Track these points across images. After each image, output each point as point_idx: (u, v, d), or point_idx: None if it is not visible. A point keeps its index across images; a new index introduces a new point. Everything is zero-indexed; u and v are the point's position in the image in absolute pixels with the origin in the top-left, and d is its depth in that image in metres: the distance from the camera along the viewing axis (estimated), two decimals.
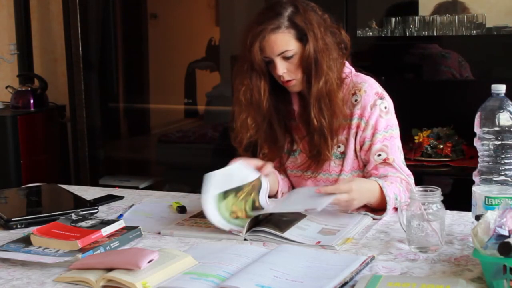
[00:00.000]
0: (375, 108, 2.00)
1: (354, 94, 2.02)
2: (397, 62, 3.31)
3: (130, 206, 2.04)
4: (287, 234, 1.67)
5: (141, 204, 2.08)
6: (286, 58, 1.95)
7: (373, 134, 1.99)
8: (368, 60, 3.32)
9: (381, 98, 2.02)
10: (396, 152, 2.01)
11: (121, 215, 1.95)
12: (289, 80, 1.98)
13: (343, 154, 2.04)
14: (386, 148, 1.99)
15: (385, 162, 1.98)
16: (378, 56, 3.32)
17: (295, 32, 1.94)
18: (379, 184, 1.86)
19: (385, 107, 2.02)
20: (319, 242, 1.63)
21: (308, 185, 2.08)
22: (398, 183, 1.92)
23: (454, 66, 3.21)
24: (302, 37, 1.94)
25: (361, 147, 2.02)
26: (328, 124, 1.98)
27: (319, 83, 1.95)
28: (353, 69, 2.08)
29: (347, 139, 2.02)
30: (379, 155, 1.99)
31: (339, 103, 1.98)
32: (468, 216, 1.76)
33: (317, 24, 1.96)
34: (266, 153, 2.12)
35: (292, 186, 2.17)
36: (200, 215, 1.86)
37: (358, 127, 2.00)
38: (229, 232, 1.71)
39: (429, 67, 3.25)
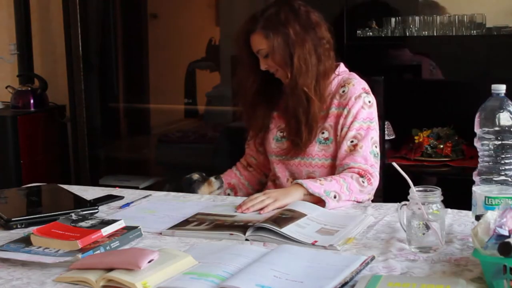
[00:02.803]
0: (359, 99, 2.15)
1: (343, 86, 2.18)
2: (397, 62, 3.31)
3: (145, 197, 2.13)
4: (285, 230, 1.68)
5: (146, 202, 2.09)
6: (266, 55, 2.15)
7: (352, 122, 2.13)
8: (368, 60, 3.32)
9: (367, 93, 2.17)
10: (368, 143, 2.12)
11: (127, 204, 2.01)
12: (276, 72, 2.18)
13: (327, 140, 2.18)
14: (359, 136, 2.13)
15: (354, 148, 2.11)
16: (378, 56, 3.32)
17: (269, 32, 2.12)
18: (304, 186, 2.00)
19: (369, 101, 2.17)
20: (315, 241, 1.63)
21: (294, 168, 2.22)
22: (348, 177, 2.04)
23: (425, 71, 3.25)
24: (276, 36, 2.11)
25: (340, 133, 2.16)
26: (303, 113, 2.14)
27: (293, 75, 2.12)
28: (347, 70, 2.25)
29: (331, 126, 2.17)
30: (352, 141, 2.13)
31: (315, 93, 2.14)
32: (468, 216, 1.76)
33: (294, 22, 2.13)
34: (251, 135, 2.36)
35: (259, 182, 2.38)
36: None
37: (341, 115, 2.15)
38: (230, 233, 1.71)
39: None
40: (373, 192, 2.15)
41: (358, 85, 2.17)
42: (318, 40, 2.15)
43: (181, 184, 2.30)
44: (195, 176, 2.29)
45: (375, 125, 2.17)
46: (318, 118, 2.15)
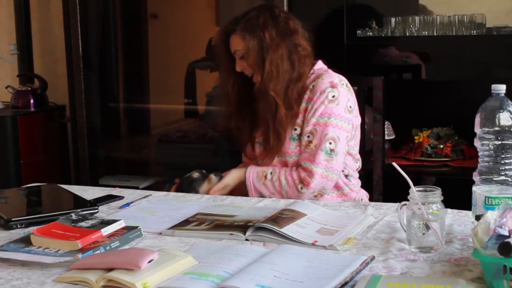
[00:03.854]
0: (323, 94, 2.17)
1: (314, 81, 2.21)
2: (385, 61, 3.31)
3: (145, 197, 2.13)
4: (285, 230, 1.67)
5: (146, 202, 2.10)
6: (242, 57, 2.20)
7: (311, 117, 2.17)
8: (368, 60, 3.32)
9: (333, 87, 2.18)
10: (320, 139, 2.15)
11: (127, 204, 2.02)
12: (252, 75, 2.22)
13: (300, 136, 2.21)
14: (315, 132, 2.16)
15: (308, 144, 2.16)
16: (378, 56, 3.32)
17: (246, 34, 2.17)
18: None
19: (333, 96, 2.17)
20: (316, 241, 1.63)
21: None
22: (291, 182, 2.15)
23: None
24: (252, 38, 2.16)
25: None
26: (271, 118, 2.18)
27: (263, 79, 2.17)
28: (325, 67, 2.28)
29: (303, 122, 2.20)
30: (308, 136, 2.17)
31: (284, 99, 2.17)
32: (468, 216, 1.76)
33: (272, 27, 2.18)
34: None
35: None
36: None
37: (307, 110, 2.19)
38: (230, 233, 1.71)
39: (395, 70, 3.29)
40: (324, 191, 2.18)
41: (327, 79, 2.19)
42: (294, 47, 2.19)
43: (181, 183, 2.31)
44: (195, 174, 2.30)
45: (338, 121, 2.16)
46: (285, 124, 2.19)
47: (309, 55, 2.23)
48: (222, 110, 2.38)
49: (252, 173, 2.23)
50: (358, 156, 2.33)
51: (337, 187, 2.25)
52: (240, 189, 2.29)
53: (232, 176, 2.27)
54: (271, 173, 2.21)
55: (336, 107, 2.16)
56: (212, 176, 2.28)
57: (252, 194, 2.22)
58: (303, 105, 2.20)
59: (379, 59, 3.29)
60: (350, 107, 2.21)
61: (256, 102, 2.23)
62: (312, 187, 2.14)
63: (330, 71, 2.25)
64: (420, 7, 3.30)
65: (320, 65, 2.28)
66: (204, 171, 2.32)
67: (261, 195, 2.21)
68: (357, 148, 2.32)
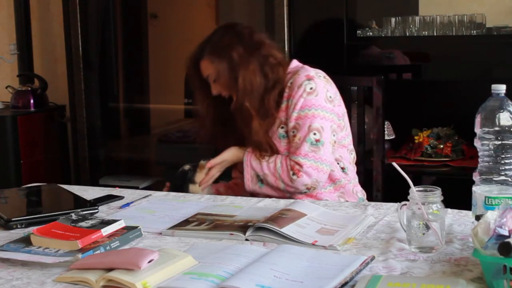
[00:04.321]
0: (300, 88, 2.18)
1: (291, 78, 2.23)
2: (367, 60, 3.31)
3: (145, 197, 2.14)
4: (285, 230, 1.67)
5: (146, 202, 2.10)
6: (215, 80, 2.23)
7: (292, 113, 2.19)
8: (368, 60, 3.32)
9: (310, 79, 2.19)
10: (304, 131, 2.16)
11: (127, 204, 2.03)
12: (229, 96, 2.25)
13: (286, 133, 2.22)
14: (298, 126, 2.18)
15: (293, 139, 2.18)
16: (363, 58, 3.32)
17: (214, 57, 2.20)
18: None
19: (311, 88, 2.18)
20: (316, 241, 1.63)
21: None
22: (285, 168, 2.17)
23: (400, 60, 3.25)
24: (221, 60, 2.19)
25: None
26: (249, 132, 2.21)
27: (239, 97, 2.19)
28: (300, 64, 2.28)
29: (286, 119, 2.21)
30: (293, 131, 2.19)
31: (260, 110, 2.19)
32: (468, 216, 1.76)
33: (238, 45, 2.20)
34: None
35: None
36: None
37: (288, 107, 2.20)
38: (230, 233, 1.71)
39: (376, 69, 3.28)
40: (318, 184, 2.18)
41: (303, 73, 2.20)
42: (264, 59, 2.21)
43: (174, 179, 2.32)
44: (186, 167, 2.33)
45: (319, 111, 2.18)
46: (261, 136, 2.21)
47: (281, 62, 2.25)
48: (200, 136, 2.44)
49: (251, 152, 2.26)
50: (352, 147, 2.35)
51: (333, 180, 2.25)
52: (231, 187, 2.33)
53: (231, 153, 2.30)
54: (268, 156, 2.23)
55: (315, 98, 2.18)
56: (202, 162, 2.31)
57: (247, 171, 2.24)
58: (284, 103, 2.22)
59: (365, 60, 3.28)
60: (330, 97, 2.22)
61: (236, 120, 2.25)
62: (303, 176, 2.14)
63: (306, 66, 2.27)
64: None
65: (295, 63, 2.30)
66: (195, 163, 2.33)
67: (256, 175, 2.23)
68: (349, 138, 2.33)
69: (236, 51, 2.20)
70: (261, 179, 2.23)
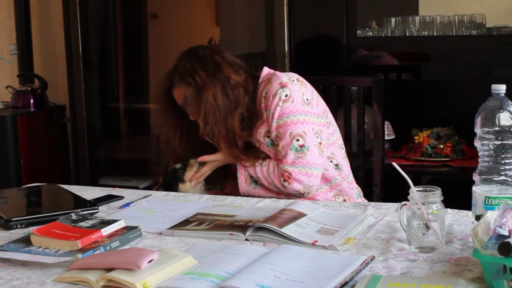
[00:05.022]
0: (275, 97, 2.17)
1: (265, 87, 2.22)
2: (354, 62, 3.31)
3: (145, 197, 2.14)
4: (285, 229, 1.67)
5: (146, 202, 2.10)
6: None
7: (271, 123, 2.19)
8: (367, 60, 3.32)
9: (283, 86, 2.18)
10: (286, 139, 2.16)
11: (127, 204, 2.03)
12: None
13: (273, 141, 2.21)
14: (279, 135, 2.18)
15: (277, 149, 2.18)
16: (377, 56, 3.32)
17: (181, 85, 2.22)
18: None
19: (286, 95, 2.17)
20: (316, 241, 1.63)
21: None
22: (277, 177, 2.17)
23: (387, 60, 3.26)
24: (187, 86, 2.20)
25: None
26: (231, 153, 2.23)
27: (203, 122, 2.20)
28: (271, 71, 2.28)
29: (269, 129, 2.21)
30: (277, 141, 2.19)
31: (226, 132, 2.21)
32: (468, 216, 1.76)
33: (200, 69, 2.21)
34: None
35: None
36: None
37: (267, 117, 2.19)
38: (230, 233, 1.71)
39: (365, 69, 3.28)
40: (311, 188, 2.17)
41: (275, 81, 2.19)
42: (225, 80, 2.21)
43: (165, 178, 2.34)
44: (177, 165, 2.33)
45: (298, 116, 2.17)
46: (234, 154, 2.22)
47: (241, 84, 2.24)
48: (169, 158, 2.40)
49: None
50: (341, 141, 2.35)
51: (328, 179, 2.25)
52: (232, 186, 2.33)
53: (224, 154, 2.28)
54: (262, 158, 2.24)
55: (292, 105, 2.17)
56: (192, 160, 2.31)
57: (241, 173, 2.24)
58: (264, 113, 2.21)
59: (354, 63, 3.28)
60: (307, 99, 2.21)
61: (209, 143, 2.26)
62: (294, 183, 2.14)
63: (277, 73, 2.26)
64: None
65: (265, 71, 2.29)
66: (186, 163, 2.33)
67: (249, 176, 2.23)
68: (337, 134, 2.33)
69: (198, 76, 2.20)
70: (255, 180, 2.23)
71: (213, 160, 2.30)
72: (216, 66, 2.23)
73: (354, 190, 2.31)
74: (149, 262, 1.42)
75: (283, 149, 2.16)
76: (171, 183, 2.31)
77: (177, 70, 2.26)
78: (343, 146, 2.35)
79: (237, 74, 2.25)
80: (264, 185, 2.21)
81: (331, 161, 2.26)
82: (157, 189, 2.33)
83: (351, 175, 2.36)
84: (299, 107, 2.17)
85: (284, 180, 2.15)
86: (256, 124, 2.23)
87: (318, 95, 2.31)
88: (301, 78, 2.25)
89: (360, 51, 3.25)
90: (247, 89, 2.24)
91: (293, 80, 2.21)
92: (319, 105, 2.27)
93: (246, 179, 2.24)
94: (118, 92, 3.94)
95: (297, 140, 2.15)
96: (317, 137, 2.19)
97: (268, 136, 2.22)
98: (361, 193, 2.37)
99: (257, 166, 2.22)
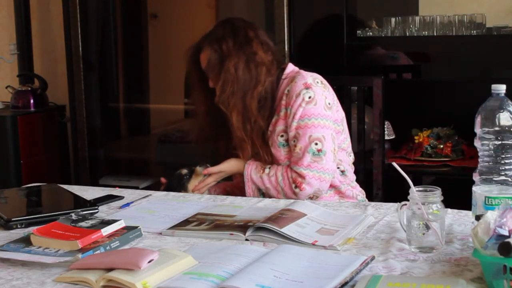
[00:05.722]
0: (298, 97, 2.16)
1: (288, 85, 2.21)
2: (372, 61, 3.31)
3: (145, 197, 2.13)
4: (285, 229, 1.67)
5: (146, 202, 2.10)
6: None
7: (291, 122, 2.17)
8: (367, 60, 3.32)
9: (308, 88, 2.17)
10: (304, 142, 2.14)
11: (127, 204, 2.03)
12: None
13: (287, 141, 2.21)
14: (298, 136, 2.16)
15: (294, 149, 2.17)
16: (365, 58, 3.32)
17: (208, 49, 2.23)
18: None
19: (310, 97, 2.16)
20: (316, 241, 1.63)
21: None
22: (286, 180, 2.16)
23: (403, 61, 3.25)
24: (212, 53, 2.22)
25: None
26: (235, 129, 2.22)
27: (220, 89, 2.20)
28: (296, 69, 2.27)
29: (286, 127, 2.20)
30: (293, 141, 2.18)
31: (240, 106, 2.20)
32: (468, 216, 1.76)
33: (229, 38, 2.21)
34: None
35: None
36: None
37: (287, 115, 2.18)
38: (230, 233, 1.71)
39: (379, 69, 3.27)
40: (320, 192, 2.17)
41: (300, 81, 2.18)
42: (251, 55, 2.21)
43: (171, 181, 2.34)
44: (184, 171, 2.35)
45: (319, 120, 2.16)
46: (242, 132, 2.21)
47: (266, 64, 2.23)
48: (194, 135, 2.47)
49: (251, 165, 2.25)
50: (350, 149, 2.35)
51: (333, 185, 2.25)
52: (237, 186, 2.31)
53: (230, 164, 2.30)
54: (269, 168, 2.22)
55: (314, 107, 2.16)
56: (198, 168, 2.32)
57: (248, 185, 2.23)
58: (283, 111, 2.20)
59: (368, 60, 3.28)
60: (329, 104, 2.21)
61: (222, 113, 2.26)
62: (306, 189, 2.14)
63: (302, 72, 2.24)
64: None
65: (290, 68, 2.29)
66: (193, 167, 2.33)
67: (257, 189, 2.23)
68: (348, 141, 2.33)
69: (226, 44, 2.21)
70: (262, 192, 2.23)
71: (219, 171, 2.29)
72: (246, 39, 2.23)
73: (358, 197, 2.31)
74: (149, 262, 1.42)
75: (300, 151, 2.15)
76: (175, 188, 2.30)
77: (209, 35, 2.26)
78: (352, 154, 2.36)
79: (264, 53, 2.24)
80: (272, 195, 2.20)
81: (338, 167, 2.26)
82: (163, 188, 2.34)
83: (354, 178, 2.37)
84: (321, 111, 2.17)
85: (296, 187, 2.14)
86: (272, 113, 2.23)
87: (338, 102, 2.30)
88: (324, 81, 2.24)
89: (377, 49, 3.25)
90: (271, 71, 2.24)
91: (318, 82, 2.20)
92: (339, 110, 2.28)
93: (254, 192, 2.24)
94: (118, 92, 3.94)
95: (316, 144, 2.14)
96: (333, 143, 2.19)
97: (282, 136, 2.21)
98: (364, 195, 2.37)
99: (264, 175, 2.21)
